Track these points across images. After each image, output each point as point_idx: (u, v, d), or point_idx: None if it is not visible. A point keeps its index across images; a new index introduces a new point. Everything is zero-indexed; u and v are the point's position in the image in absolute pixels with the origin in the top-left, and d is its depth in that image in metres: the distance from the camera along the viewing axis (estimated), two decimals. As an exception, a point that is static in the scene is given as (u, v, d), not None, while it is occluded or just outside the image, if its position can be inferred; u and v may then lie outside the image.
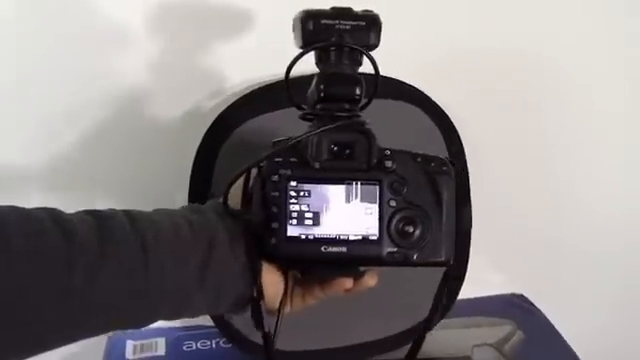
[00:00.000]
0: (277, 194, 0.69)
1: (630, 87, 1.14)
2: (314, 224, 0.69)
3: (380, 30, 0.70)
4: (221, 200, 0.70)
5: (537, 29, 1.07)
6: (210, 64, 0.99)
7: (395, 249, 0.68)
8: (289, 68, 0.70)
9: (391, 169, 0.69)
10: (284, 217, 0.68)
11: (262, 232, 0.69)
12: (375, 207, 0.69)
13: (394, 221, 0.69)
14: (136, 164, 1.03)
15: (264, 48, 0.96)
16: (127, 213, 0.67)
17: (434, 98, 1.01)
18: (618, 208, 1.19)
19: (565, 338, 1.08)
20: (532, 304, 1.14)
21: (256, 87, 0.98)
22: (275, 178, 0.69)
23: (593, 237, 1.19)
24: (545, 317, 1.12)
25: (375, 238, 0.68)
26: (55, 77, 0.95)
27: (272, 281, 0.70)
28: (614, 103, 1.14)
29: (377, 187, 0.69)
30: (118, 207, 0.69)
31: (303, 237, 0.68)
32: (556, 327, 1.10)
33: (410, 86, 0.99)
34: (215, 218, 0.70)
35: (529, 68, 1.09)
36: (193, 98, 1.01)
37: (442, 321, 1.01)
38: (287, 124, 0.98)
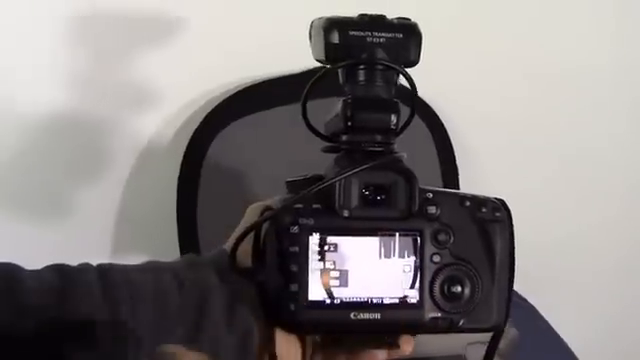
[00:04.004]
0: (297, 249, 0.55)
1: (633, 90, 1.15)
2: (341, 285, 0.56)
3: (421, 42, 0.56)
4: (227, 249, 0.58)
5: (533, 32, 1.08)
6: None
7: (439, 314, 0.57)
8: (308, 91, 0.56)
9: (434, 216, 0.57)
10: (305, 277, 0.55)
11: (278, 296, 0.56)
12: (416, 263, 0.56)
13: (438, 280, 0.56)
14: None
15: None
16: (102, 272, 0.55)
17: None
18: (608, 209, 1.19)
19: (560, 334, 1.04)
20: (526, 301, 1.08)
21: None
22: (294, 229, 0.55)
23: (583, 234, 1.18)
24: (539, 313, 1.08)
25: (415, 301, 0.56)
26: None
27: (286, 350, 0.58)
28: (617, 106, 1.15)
29: (418, 239, 0.56)
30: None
31: (328, 302, 0.56)
32: (550, 323, 1.06)
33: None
34: (213, 276, 0.57)
35: (526, 70, 1.09)
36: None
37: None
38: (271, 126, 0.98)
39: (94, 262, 0.58)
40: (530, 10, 1.07)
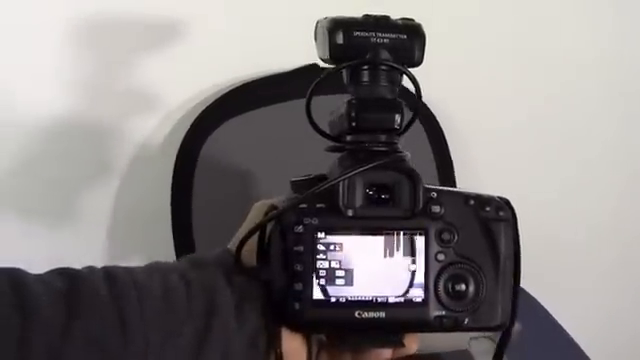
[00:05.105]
0: (301, 248, 0.56)
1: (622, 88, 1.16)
2: (346, 284, 0.56)
3: (424, 43, 0.57)
4: (231, 249, 0.58)
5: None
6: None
7: (444, 312, 0.57)
8: (312, 91, 0.57)
9: (439, 215, 0.57)
10: (310, 276, 0.56)
11: (282, 295, 0.56)
12: (420, 262, 0.57)
13: (443, 279, 0.57)
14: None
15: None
16: (107, 274, 0.55)
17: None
18: (604, 200, 1.20)
19: (564, 327, 1.04)
20: (528, 294, 1.06)
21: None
22: (299, 229, 0.56)
23: (583, 227, 1.18)
24: (542, 306, 1.07)
25: (420, 300, 0.57)
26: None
27: (292, 349, 0.58)
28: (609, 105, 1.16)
29: (422, 238, 0.57)
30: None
31: (333, 300, 0.56)
32: (554, 316, 1.06)
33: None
34: (220, 276, 0.57)
35: (524, 67, 1.09)
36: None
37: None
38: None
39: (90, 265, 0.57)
40: (535, 11, 1.08)
